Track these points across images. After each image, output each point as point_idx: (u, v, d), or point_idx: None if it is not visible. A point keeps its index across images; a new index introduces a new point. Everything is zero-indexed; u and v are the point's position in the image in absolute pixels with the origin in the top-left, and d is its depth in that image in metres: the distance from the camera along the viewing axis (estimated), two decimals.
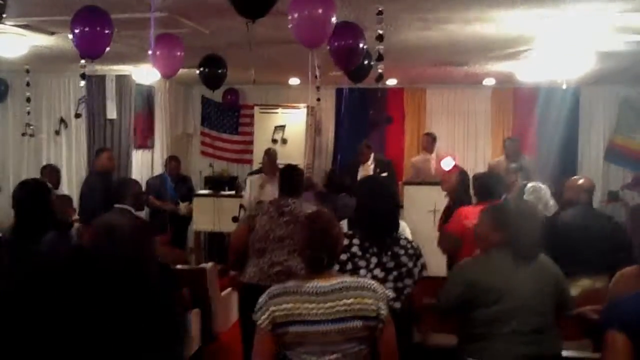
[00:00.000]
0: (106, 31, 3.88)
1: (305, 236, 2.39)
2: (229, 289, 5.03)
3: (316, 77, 4.61)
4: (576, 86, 8.07)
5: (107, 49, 3.98)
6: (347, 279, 2.37)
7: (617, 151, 8.44)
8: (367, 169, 7.57)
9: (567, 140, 8.40)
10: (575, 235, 4.06)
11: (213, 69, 5.37)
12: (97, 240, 2.41)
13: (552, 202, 3.80)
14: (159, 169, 8.11)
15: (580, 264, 3.90)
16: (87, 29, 3.83)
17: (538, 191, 3.67)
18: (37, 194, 3.55)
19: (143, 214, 6.11)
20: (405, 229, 3.75)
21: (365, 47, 4.17)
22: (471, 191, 4.62)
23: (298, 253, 2.88)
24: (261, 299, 2.33)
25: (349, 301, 2.26)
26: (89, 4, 3.83)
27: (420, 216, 6.60)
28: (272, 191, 6.48)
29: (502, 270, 2.76)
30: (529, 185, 4.14)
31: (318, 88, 5.27)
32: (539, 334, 2.73)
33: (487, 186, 4.23)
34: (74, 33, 3.85)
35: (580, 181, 4.46)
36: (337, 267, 2.59)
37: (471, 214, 4.08)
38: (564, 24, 4.44)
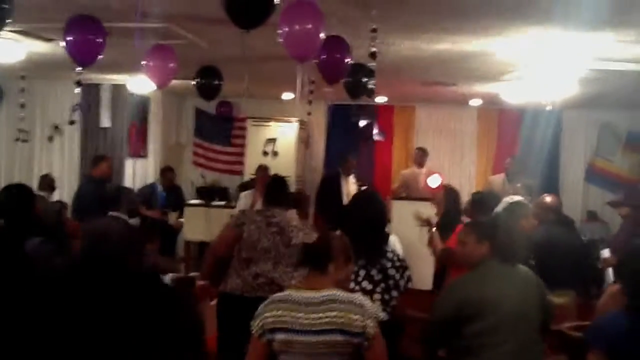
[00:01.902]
0: (99, 39, 3.89)
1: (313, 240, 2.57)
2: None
3: (311, 91, 4.73)
4: (559, 109, 8.29)
5: (100, 57, 4.01)
6: (339, 293, 2.37)
7: (596, 173, 8.66)
8: (350, 181, 7.68)
9: (550, 161, 8.60)
10: (541, 253, 4.07)
11: (209, 80, 5.44)
12: (87, 246, 2.42)
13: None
14: (151, 178, 8.20)
15: (545, 281, 4.02)
16: (79, 36, 3.87)
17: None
18: (19, 199, 3.53)
19: (134, 222, 6.19)
20: (395, 243, 3.83)
21: (351, 61, 4.22)
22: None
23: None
24: (260, 307, 2.39)
25: (334, 314, 2.28)
26: (83, 12, 3.87)
27: (408, 230, 6.69)
28: None
29: (494, 280, 2.83)
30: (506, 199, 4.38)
31: (310, 102, 5.40)
32: (528, 345, 2.77)
33: (485, 204, 4.32)
34: (66, 40, 3.88)
35: (546, 200, 4.55)
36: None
37: None
38: (550, 49, 4.59)
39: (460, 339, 2.81)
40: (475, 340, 2.76)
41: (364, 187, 7.27)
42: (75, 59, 3.97)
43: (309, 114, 5.66)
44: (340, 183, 7.65)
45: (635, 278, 2.32)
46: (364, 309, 2.31)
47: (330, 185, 7.80)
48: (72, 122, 6.20)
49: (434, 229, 4.50)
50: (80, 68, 4.04)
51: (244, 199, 6.83)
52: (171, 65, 4.58)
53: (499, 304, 2.76)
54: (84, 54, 3.95)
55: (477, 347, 2.75)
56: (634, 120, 8.32)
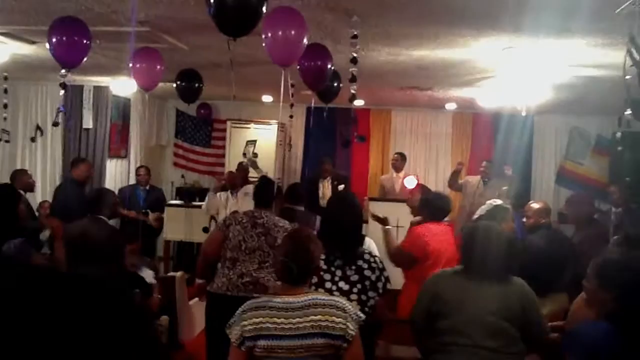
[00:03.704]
0: (84, 41, 3.88)
1: (283, 248, 2.46)
2: (196, 299, 4.89)
3: (292, 95, 4.83)
4: (531, 114, 8.50)
5: (85, 59, 4.00)
6: (319, 296, 2.40)
7: (566, 176, 8.81)
8: (327, 184, 7.76)
9: (522, 164, 8.69)
10: (540, 258, 4.14)
11: (189, 83, 5.49)
12: (71, 249, 2.41)
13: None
14: (132, 179, 8.24)
15: (544, 285, 3.96)
16: (64, 37, 3.84)
17: (491, 212, 3.99)
18: (2, 200, 3.58)
19: (114, 222, 6.25)
20: (370, 243, 3.81)
21: (332, 68, 4.25)
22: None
23: (272, 263, 2.97)
24: (235, 314, 2.39)
25: (316, 317, 2.29)
26: (68, 14, 3.85)
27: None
28: (232, 204, 6.67)
29: (461, 284, 2.87)
30: (484, 207, 4.45)
31: (292, 105, 5.50)
32: (494, 353, 2.75)
33: (439, 206, 4.44)
34: (51, 41, 3.86)
35: (538, 206, 4.60)
36: (314, 279, 2.61)
37: (427, 232, 4.23)
38: (524, 56, 4.67)
39: (432, 337, 2.88)
40: (442, 337, 2.83)
41: (340, 186, 7.39)
42: (59, 61, 3.96)
43: (291, 116, 5.76)
44: (318, 185, 7.75)
45: (623, 291, 2.28)
46: (345, 312, 2.34)
47: (308, 187, 7.92)
48: (56, 124, 6.23)
49: (387, 227, 4.49)
50: (64, 70, 4.00)
51: (209, 201, 7.00)
52: (158, 68, 4.60)
53: (463, 309, 2.79)
54: (68, 56, 3.94)
55: (443, 346, 2.82)
56: (602, 124, 8.49)
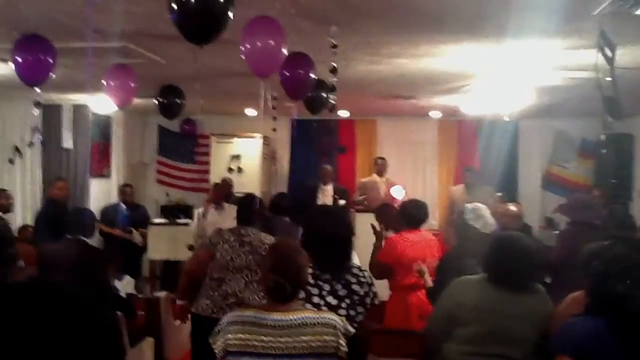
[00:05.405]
0: (48, 59, 3.82)
1: (270, 262, 2.34)
2: (178, 322, 4.74)
3: (274, 107, 4.76)
4: (516, 119, 8.53)
5: (54, 76, 3.93)
6: (309, 315, 2.32)
7: (552, 180, 8.87)
8: (327, 192, 7.68)
9: (508, 169, 8.83)
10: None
11: (171, 99, 5.44)
12: (44, 270, 2.33)
13: (492, 221, 4.02)
14: (115, 198, 8.12)
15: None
16: (27, 56, 3.78)
17: (477, 210, 3.88)
18: None
19: (95, 242, 6.11)
20: (354, 256, 3.83)
21: (315, 77, 4.19)
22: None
23: (260, 280, 2.83)
24: (220, 324, 2.33)
25: (307, 338, 2.23)
26: (38, 32, 3.77)
27: (369, 242, 6.77)
28: (217, 220, 6.58)
29: (487, 293, 2.83)
30: (470, 205, 4.38)
31: (274, 118, 5.43)
32: None
33: (413, 214, 4.42)
34: (15, 60, 3.80)
35: (511, 209, 4.68)
36: (302, 294, 2.53)
37: (401, 242, 4.23)
38: (506, 61, 4.69)
39: (452, 343, 2.84)
40: (464, 346, 2.79)
41: (341, 201, 7.27)
42: (23, 79, 3.89)
43: (274, 129, 5.70)
44: (317, 192, 7.64)
45: (597, 280, 2.28)
46: (336, 329, 2.28)
47: (306, 194, 7.77)
48: (31, 144, 6.11)
49: (378, 243, 4.45)
50: (37, 89, 3.95)
51: (199, 224, 6.96)
52: (131, 84, 4.55)
53: (489, 318, 2.76)
54: (32, 74, 3.87)
55: (465, 354, 2.78)
56: (587, 128, 8.51)
